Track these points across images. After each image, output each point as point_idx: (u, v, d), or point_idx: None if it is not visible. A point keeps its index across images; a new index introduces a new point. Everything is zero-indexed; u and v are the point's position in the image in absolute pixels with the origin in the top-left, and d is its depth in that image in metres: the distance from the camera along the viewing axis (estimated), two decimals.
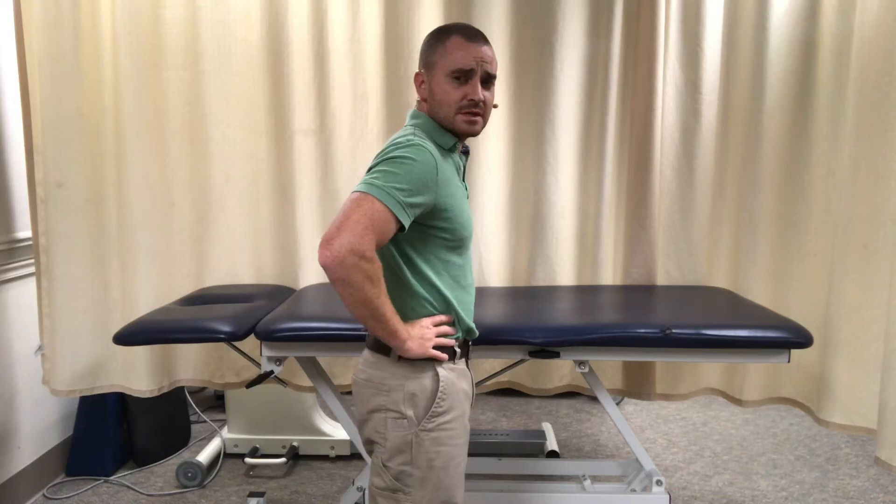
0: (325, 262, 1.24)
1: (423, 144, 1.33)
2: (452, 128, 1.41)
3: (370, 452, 1.45)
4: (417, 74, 1.45)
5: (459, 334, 1.47)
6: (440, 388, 1.39)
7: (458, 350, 1.46)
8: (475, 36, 1.40)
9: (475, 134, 1.43)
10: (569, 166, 2.40)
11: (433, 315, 1.41)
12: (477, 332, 1.54)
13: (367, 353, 1.46)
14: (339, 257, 1.22)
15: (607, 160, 2.38)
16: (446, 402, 1.40)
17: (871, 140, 2.06)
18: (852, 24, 2.13)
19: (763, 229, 2.35)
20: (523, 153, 2.41)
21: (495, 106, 1.47)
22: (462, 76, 1.38)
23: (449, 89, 1.38)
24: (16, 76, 2.47)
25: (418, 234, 1.37)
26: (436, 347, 1.39)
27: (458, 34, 1.39)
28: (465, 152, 1.52)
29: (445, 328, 1.42)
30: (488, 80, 1.41)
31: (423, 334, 1.37)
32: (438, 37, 1.42)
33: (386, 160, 1.31)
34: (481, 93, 1.39)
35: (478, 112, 1.40)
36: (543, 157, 2.39)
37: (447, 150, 1.42)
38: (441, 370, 1.41)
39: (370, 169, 1.32)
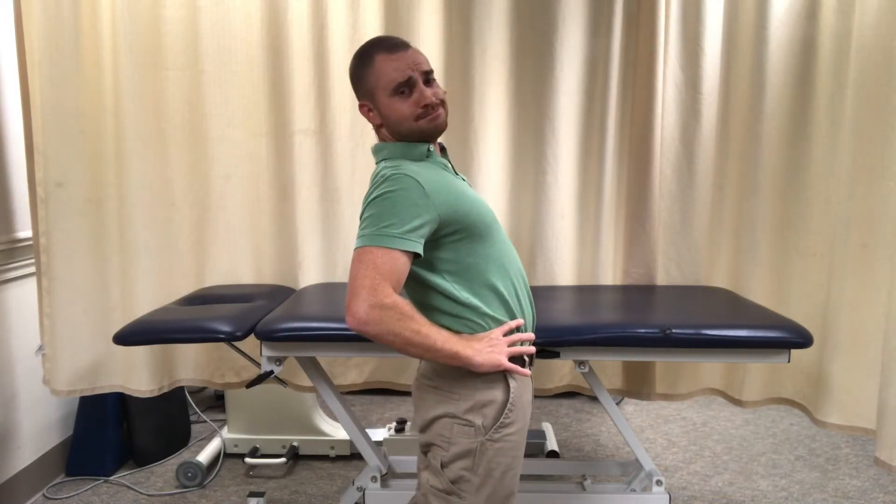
0: (354, 328, 1.25)
1: (397, 172, 1.32)
2: (420, 135, 1.39)
3: (426, 453, 1.44)
4: (361, 106, 1.44)
5: (525, 344, 1.44)
6: (510, 400, 1.38)
7: (526, 359, 1.44)
8: (396, 46, 1.39)
9: (444, 127, 1.42)
10: (569, 166, 2.40)
11: (500, 321, 1.39)
12: (532, 323, 1.50)
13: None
14: (363, 319, 1.24)
15: (607, 160, 2.38)
16: (514, 414, 1.39)
17: (870, 140, 2.06)
18: (852, 24, 2.13)
19: (763, 229, 2.35)
20: (523, 153, 2.41)
21: (445, 92, 1.45)
22: (404, 89, 1.37)
23: (399, 106, 1.37)
24: (16, 76, 2.47)
25: (445, 250, 1.36)
26: (511, 359, 1.37)
27: (379, 52, 1.38)
28: (442, 149, 1.51)
29: (518, 335, 1.40)
30: (428, 78, 1.40)
31: (493, 346, 1.35)
32: (363, 62, 1.40)
33: (369, 205, 1.31)
34: (429, 94, 1.37)
35: (436, 110, 1.39)
36: (543, 156, 2.38)
37: (425, 159, 1.41)
38: (512, 381, 1.39)
39: (361, 219, 1.32)
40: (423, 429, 1.44)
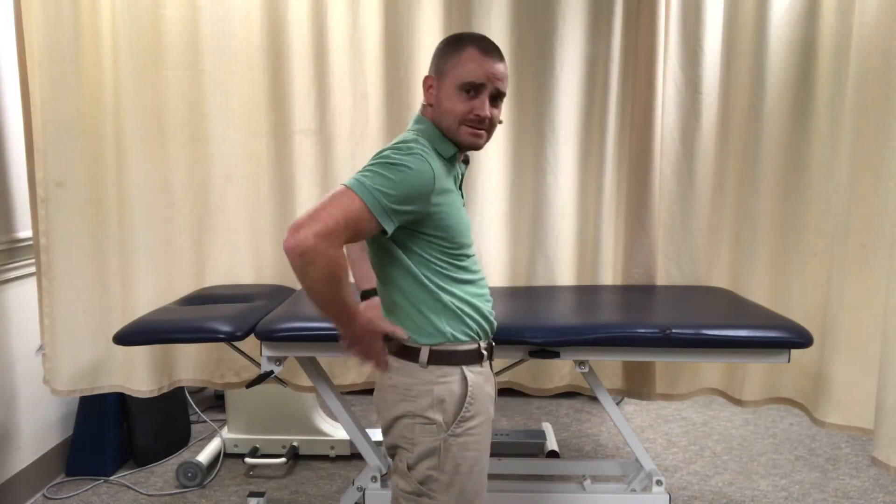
0: (287, 247, 1.21)
1: (424, 153, 1.31)
2: (455, 138, 1.39)
3: (392, 456, 1.44)
4: (427, 78, 1.42)
5: (482, 339, 1.45)
6: (469, 393, 1.38)
7: (484, 353, 1.44)
8: (491, 51, 1.37)
9: (478, 148, 1.41)
10: (569, 166, 2.40)
11: (465, 323, 1.40)
12: (495, 324, 1.50)
13: (391, 358, 1.43)
14: (301, 245, 1.19)
15: (607, 160, 2.38)
16: (474, 407, 1.39)
17: (869, 140, 2.07)
18: (851, 24, 2.13)
19: (763, 229, 2.35)
20: (523, 153, 2.41)
21: (500, 122, 1.45)
22: (472, 90, 1.35)
23: (457, 101, 1.36)
24: (16, 76, 2.47)
25: (417, 242, 1.36)
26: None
27: (473, 46, 1.36)
28: (465, 161, 1.50)
29: (394, 330, 1.41)
30: (497, 97, 1.39)
31: (371, 343, 1.37)
32: (454, 45, 1.39)
33: (382, 162, 1.28)
34: (489, 109, 1.36)
35: (482, 127, 1.38)
36: (543, 157, 2.39)
37: (447, 160, 1.40)
38: (469, 374, 1.40)
39: (367, 164, 1.30)
40: (386, 430, 1.44)
